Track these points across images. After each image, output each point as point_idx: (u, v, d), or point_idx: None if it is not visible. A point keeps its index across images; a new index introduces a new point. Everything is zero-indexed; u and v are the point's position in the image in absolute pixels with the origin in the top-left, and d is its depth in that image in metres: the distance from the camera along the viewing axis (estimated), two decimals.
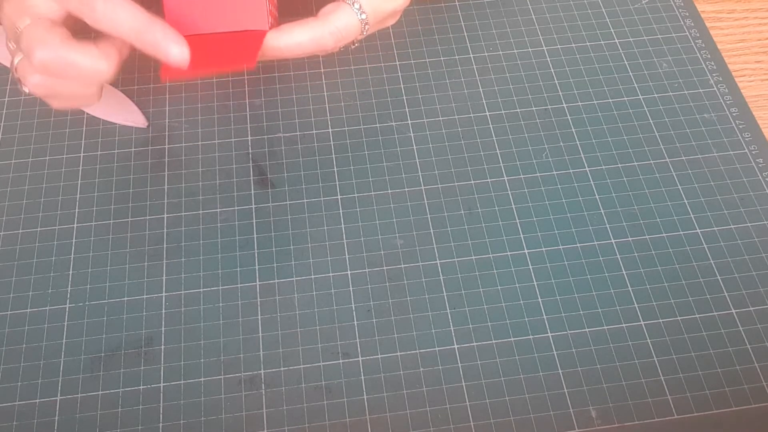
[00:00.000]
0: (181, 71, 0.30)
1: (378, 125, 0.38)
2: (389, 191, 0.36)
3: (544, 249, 0.34)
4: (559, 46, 0.41)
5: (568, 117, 0.38)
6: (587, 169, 0.37)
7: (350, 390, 0.30)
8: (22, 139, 0.37)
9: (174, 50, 0.28)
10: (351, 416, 0.30)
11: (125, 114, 0.38)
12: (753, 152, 0.37)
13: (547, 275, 0.33)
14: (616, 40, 0.41)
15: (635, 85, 0.40)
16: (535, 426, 0.30)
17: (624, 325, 0.32)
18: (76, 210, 0.35)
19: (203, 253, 0.34)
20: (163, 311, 0.32)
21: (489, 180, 0.36)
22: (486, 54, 0.41)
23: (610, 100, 0.39)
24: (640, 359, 0.31)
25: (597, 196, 0.36)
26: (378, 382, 0.31)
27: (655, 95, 0.39)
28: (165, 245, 0.34)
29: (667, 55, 0.41)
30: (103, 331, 0.32)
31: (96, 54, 0.29)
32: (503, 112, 0.39)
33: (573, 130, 0.38)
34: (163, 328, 0.32)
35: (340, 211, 0.35)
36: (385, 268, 0.33)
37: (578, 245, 0.34)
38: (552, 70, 0.40)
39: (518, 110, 0.39)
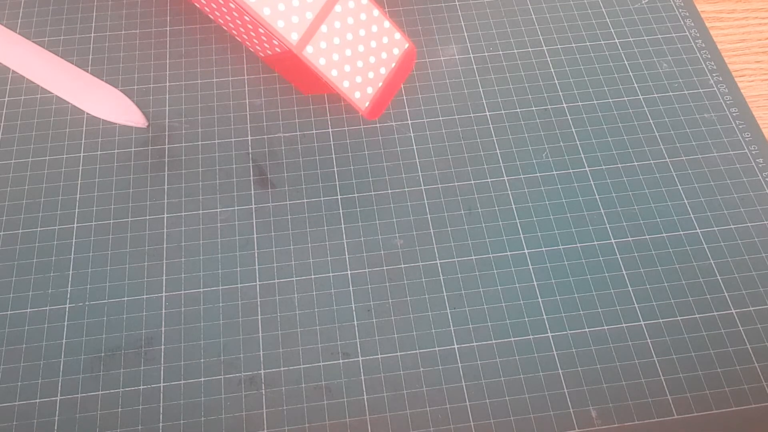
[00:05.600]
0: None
1: (378, 125, 0.38)
2: (389, 191, 0.36)
3: (544, 249, 0.34)
4: (559, 46, 0.41)
5: (568, 117, 0.38)
6: (587, 169, 0.37)
7: (350, 390, 0.30)
8: (22, 139, 0.37)
9: None
10: (351, 416, 0.30)
11: (125, 114, 0.38)
12: (753, 152, 0.37)
13: (547, 275, 0.33)
14: (616, 40, 0.41)
15: (635, 85, 0.40)
16: (535, 426, 0.30)
17: (624, 325, 0.32)
18: (76, 210, 0.35)
19: (203, 253, 0.34)
20: (163, 311, 0.32)
21: (489, 180, 0.36)
22: (486, 54, 0.41)
23: (610, 100, 0.39)
24: (640, 359, 0.31)
25: (597, 196, 0.36)
26: (378, 382, 0.31)
27: (655, 95, 0.39)
28: (165, 245, 0.34)
29: (667, 55, 0.41)
30: (103, 331, 0.32)
31: None
32: (503, 112, 0.39)
33: (573, 130, 0.38)
34: (163, 328, 0.32)
35: (340, 211, 0.35)
36: (385, 268, 0.33)
37: (578, 245, 0.34)
38: (552, 70, 0.40)
39: (518, 110, 0.39)
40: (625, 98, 0.39)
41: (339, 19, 0.32)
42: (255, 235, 0.34)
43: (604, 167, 0.37)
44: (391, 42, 0.34)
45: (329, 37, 0.32)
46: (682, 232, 0.35)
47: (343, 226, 0.35)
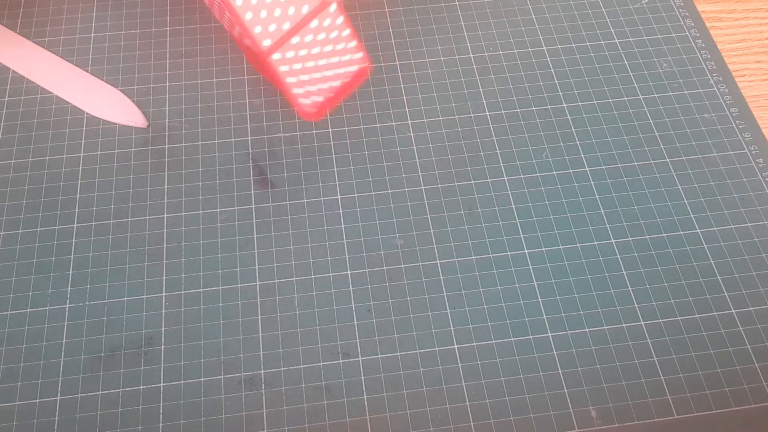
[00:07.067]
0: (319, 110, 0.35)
1: (378, 125, 0.38)
2: (389, 191, 0.36)
3: (544, 249, 0.34)
4: (559, 46, 0.41)
5: (568, 117, 0.38)
6: (587, 169, 0.37)
7: (350, 390, 0.30)
8: (22, 139, 0.37)
9: None
10: (351, 416, 0.30)
11: (125, 114, 0.38)
12: (753, 152, 0.37)
13: (547, 275, 0.33)
14: (616, 40, 0.41)
15: (635, 85, 0.40)
16: (535, 426, 0.30)
17: (624, 325, 0.32)
18: (76, 210, 0.35)
19: (203, 253, 0.34)
20: (163, 311, 0.32)
21: (489, 180, 0.36)
22: (486, 54, 0.41)
23: (610, 100, 0.39)
24: (640, 359, 0.31)
25: (597, 196, 0.36)
26: (378, 382, 0.31)
27: (655, 95, 0.39)
28: (165, 245, 0.34)
29: (667, 55, 0.41)
30: (103, 331, 0.32)
31: None
32: (503, 112, 0.39)
33: (573, 130, 0.38)
34: (163, 328, 0.32)
35: (340, 211, 0.35)
36: (385, 268, 0.33)
37: (578, 245, 0.34)
38: (552, 70, 0.40)
39: (518, 110, 0.39)
40: (625, 98, 0.39)
41: (312, 33, 0.33)
42: (255, 235, 0.34)
43: (604, 167, 0.37)
44: (352, 60, 0.35)
45: (297, 48, 0.33)
46: (682, 232, 0.35)
47: (343, 226, 0.35)
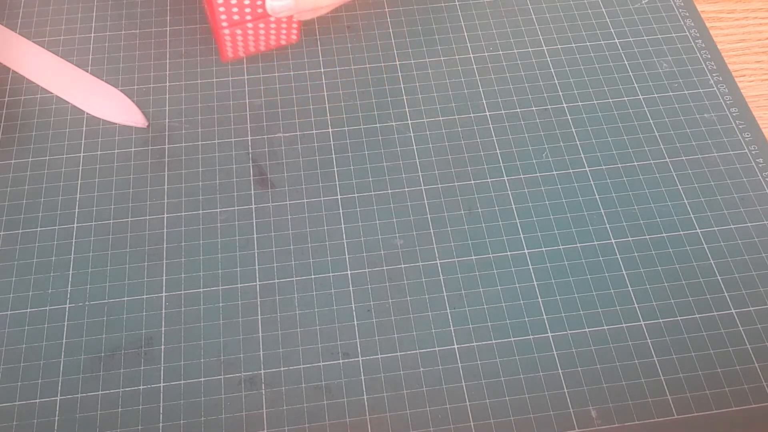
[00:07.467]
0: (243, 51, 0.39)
1: (378, 125, 0.38)
2: (389, 191, 0.36)
3: (544, 249, 0.34)
4: (559, 46, 0.41)
5: (568, 117, 0.38)
6: (587, 169, 0.37)
7: (350, 390, 0.30)
8: (22, 139, 0.37)
9: None
10: (351, 416, 0.30)
11: (125, 114, 0.38)
12: (753, 152, 0.37)
13: (547, 275, 0.33)
14: (616, 40, 0.41)
15: (635, 85, 0.40)
16: (535, 426, 0.30)
17: (624, 325, 0.32)
18: (76, 210, 0.35)
19: (203, 253, 0.34)
20: (163, 311, 0.32)
21: (489, 180, 0.36)
22: (486, 54, 0.41)
23: (610, 100, 0.39)
24: (640, 359, 0.31)
25: (597, 196, 0.36)
26: (378, 382, 0.31)
27: (655, 95, 0.39)
28: (165, 245, 0.34)
29: (667, 55, 0.41)
30: (103, 331, 0.32)
31: None
32: (503, 112, 0.39)
33: (573, 130, 0.38)
34: (163, 328, 0.32)
35: (340, 211, 0.35)
36: (385, 268, 0.33)
37: (578, 245, 0.34)
38: (552, 70, 0.40)
39: (518, 110, 0.39)
40: (625, 98, 0.39)
41: (266, 23, 0.37)
42: (255, 235, 0.34)
43: (604, 167, 0.37)
44: (287, 39, 0.39)
45: (247, 29, 0.37)
46: (682, 232, 0.35)
47: (343, 226, 0.35)
